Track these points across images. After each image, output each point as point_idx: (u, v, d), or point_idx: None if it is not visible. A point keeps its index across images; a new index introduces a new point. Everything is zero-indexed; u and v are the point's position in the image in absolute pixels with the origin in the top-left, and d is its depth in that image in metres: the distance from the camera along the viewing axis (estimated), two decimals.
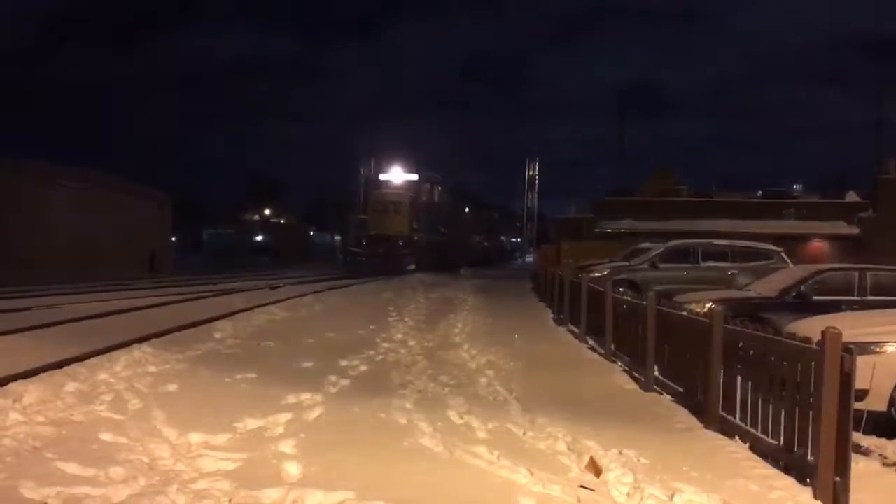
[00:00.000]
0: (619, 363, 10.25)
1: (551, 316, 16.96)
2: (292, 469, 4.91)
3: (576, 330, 13.65)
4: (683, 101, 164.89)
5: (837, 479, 4.89)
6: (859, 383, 5.27)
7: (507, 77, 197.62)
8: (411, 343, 11.88)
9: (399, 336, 12.63)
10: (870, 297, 11.65)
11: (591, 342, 12.34)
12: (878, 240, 29.70)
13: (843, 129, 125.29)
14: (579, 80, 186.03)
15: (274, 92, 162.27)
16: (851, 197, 36.36)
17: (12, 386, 6.63)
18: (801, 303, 11.58)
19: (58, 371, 7.60)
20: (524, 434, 6.34)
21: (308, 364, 9.36)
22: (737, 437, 6.36)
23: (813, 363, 5.16)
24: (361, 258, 37.66)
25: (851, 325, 7.03)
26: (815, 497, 4.95)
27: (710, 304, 10.70)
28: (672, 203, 35.95)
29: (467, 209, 52.69)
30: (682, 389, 7.86)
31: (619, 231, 33.42)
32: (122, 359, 8.49)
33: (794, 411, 5.45)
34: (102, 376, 7.54)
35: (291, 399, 7.14)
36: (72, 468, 4.61)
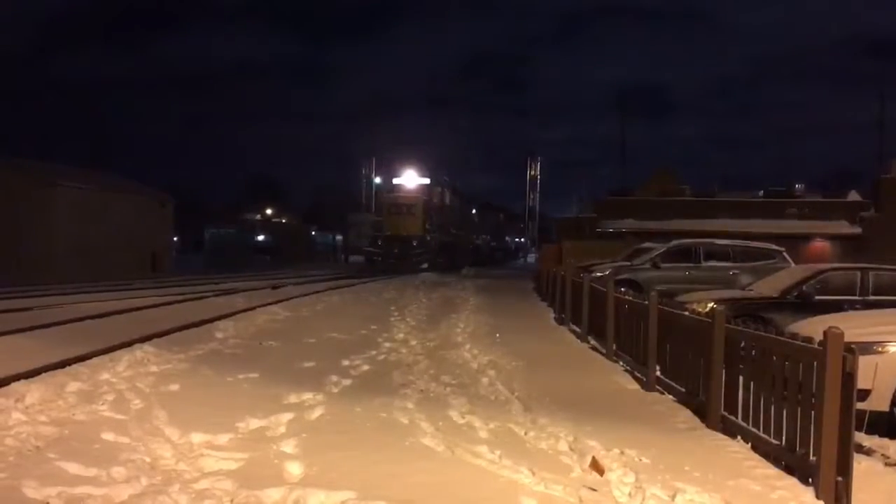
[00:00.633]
0: (621, 363, 10.25)
1: (553, 316, 16.95)
2: (294, 469, 4.92)
3: (577, 330, 13.64)
4: (685, 101, 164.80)
5: (840, 479, 4.88)
6: (861, 383, 5.26)
7: (508, 77, 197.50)
8: (413, 342, 11.88)
9: (401, 336, 12.64)
10: (872, 297, 11.64)
11: (592, 342, 12.33)
12: (880, 239, 29.66)
13: (844, 128, 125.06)
14: (581, 80, 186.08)
15: (275, 92, 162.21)
16: (853, 196, 36.30)
17: (14, 386, 6.64)
18: (803, 303, 11.58)
19: (60, 371, 7.61)
20: (526, 434, 6.34)
21: (310, 364, 9.36)
22: (739, 437, 6.36)
23: (815, 363, 5.16)
24: (377, 258, 39.52)
25: (853, 325, 7.01)
26: (818, 497, 4.95)
27: (711, 304, 10.69)
28: (674, 203, 35.90)
29: (474, 210, 54.78)
30: (683, 389, 7.85)
31: (621, 231, 33.39)
32: (124, 358, 8.50)
33: (796, 411, 5.45)
34: (104, 376, 7.54)
35: (293, 399, 7.15)
36: (74, 468, 4.62)
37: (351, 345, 11.24)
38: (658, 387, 8.56)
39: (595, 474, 5.22)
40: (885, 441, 6.73)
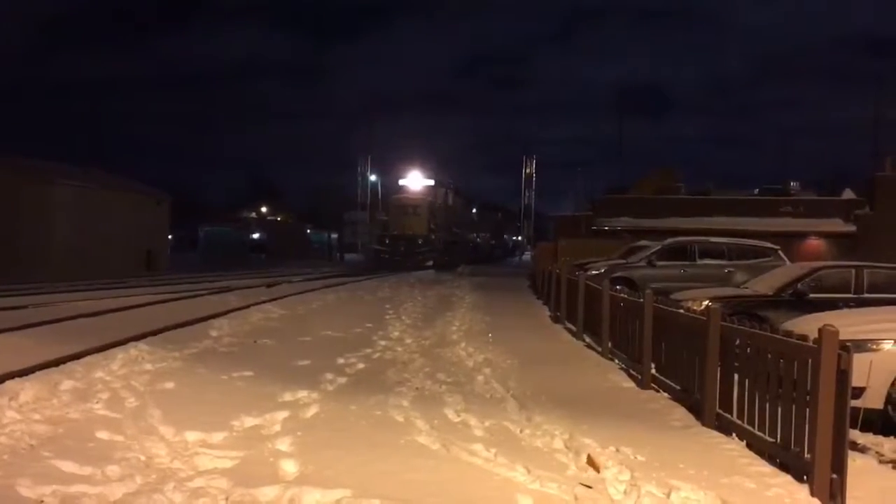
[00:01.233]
0: (616, 361, 10.26)
1: (548, 314, 16.96)
2: (289, 467, 4.91)
3: (573, 328, 13.65)
4: (683, 100, 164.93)
5: (834, 476, 4.90)
6: (856, 381, 5.27)
7: (507, 75, 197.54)
8: (408, 341, 11.88)
9: (396, 334, 12.63)
10: (866, 295, 11.67)
11: (587, 340, 12.34)
12: (874, 237, 29.71)
13: (841, 127, 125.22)
14: (580, 79, 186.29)
15: (272, 91, 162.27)
16: (848, 194, 36.33)
17: (8, 384, 6.61)
18: (798, 301, 11.60)
19: (54, 369, 7.58)
20: (521, 432, 6.34)
21: (305, 362, 9.35)
22: (734, 435, 6.37)
23: (809, 361, 5.17)
24: (385, 255, 41.78)
25: (848, 323, 7.03)
26: (812, 494, 4.96)
27: (706, 302, 10.71)
28: (669, 201, 35.91)
29: (475, 210, 57.68)
30: (679, 387, 7.86)
31: (617, 229, 33.39)
32: (118, 357, 8.48)
33: (791, 409, 5.45)
34: (99, 374, 7.52)
35: (288, 397, 7.14)
36: (68, 466, 4.61)
37: (346, 343, 11.23)
38: (653, 385, 8.57)
39: (591, 472, 5.23)
40: (880, 438, 6.74)
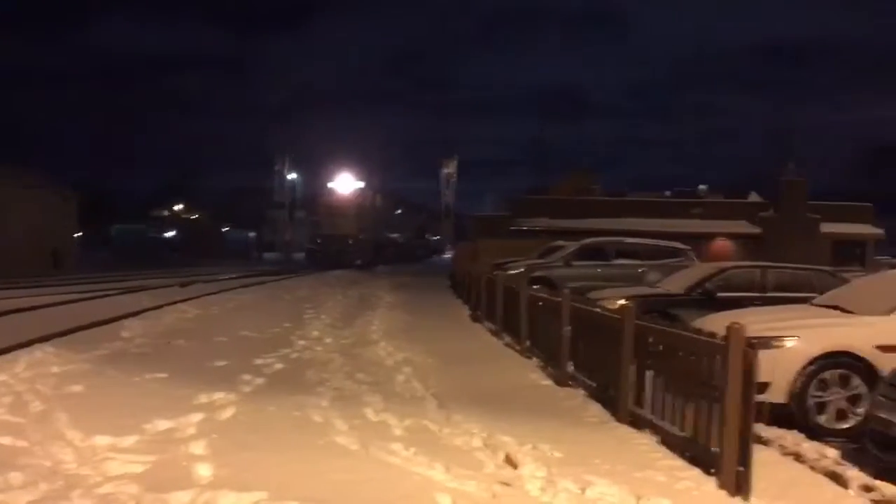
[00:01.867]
0: (535, 359, 10.41)
1: (468, 313, 17.08)
2: (204, 470, 4.79)
3: (492, 327, 13.79)
4: (602, 103, 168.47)
5: (740, 468, 5.08)
6: (761, 376, 5.49)
7: (430, 75, 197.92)
8: (328, 340, 11.78)
9: (315, 333, 12.51)
10: (770, 294, 12.14)
11: (507, 339, 12.48)
12: (777, 238, 31.05)
13: (751, 131, 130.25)
14: (501, 80, 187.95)
15: (190, 87, 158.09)
16: (754, 197, 37.89)
17: None
18: (708, 299, 11.98)
19: None
20: (441, 430, 6.37)
21: (221, 363, 9.16)
22: (647, 430, 6.54)
23: (718, 357, 5.35)
24: (317, 254, 45.09)
25: (754, 321, 7.30)
26: (720, 487, 5.14)
27: (621, 301, 10.96)
28: (586, 202, 36.66)
29: (400, 211, 62.47)
30: (595, 384, 8.03)
31: (535, 229, 33.87)
32: (22, 359, 8.12)
33: (700, 404, 5.64)
34: (1, 378, 7.19)
35: (203, 399, 6.97)
36: None
37: (264, 343, 11.06)
38: (570, 382, 8.73)
39: (509, 469, 5.29)
40: (783, 432, 7.03)
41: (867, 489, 5.40)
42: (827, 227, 32.69)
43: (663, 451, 6.00)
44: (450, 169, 70.97)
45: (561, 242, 22.84)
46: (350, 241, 44.83)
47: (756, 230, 33.68)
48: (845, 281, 11.80)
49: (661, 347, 6.55)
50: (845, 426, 7.40)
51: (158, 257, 51.12)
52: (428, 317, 15.99)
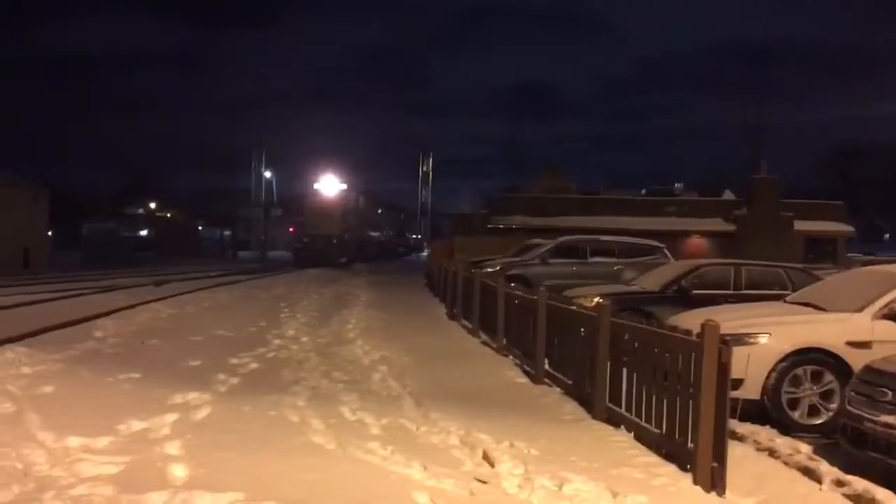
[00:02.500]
0: (511, 357, 10.43)
1: (444, 311, 17.08)
2: (178, 471, 4.75)
3: (469, 325, 13.80)
4: (573, 102, 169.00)
5: (715, 464, 5.13)
6: (735, 373, 5.54)
7: (403, 74, 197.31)
8: (304, 339, 11.72)
9: (291, 332, 12.44)
10: (744, 291, 12.28)
11: (483, 337, 12.50)
12: (751, 236, 31.35)
13: (719, 131, 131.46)
14: (474, 78, 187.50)
15: (162, 83, 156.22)
16: (728, 195, 38.23)
17: None
18: (682, 297, 12.09)
19: None
20: (418, 429, 6.36)
21: (196, 362, 9.08)
22: (623, 427, 6.59)
23: (693, 354, 5.40)
24: (303, 252, 47.15)
25: (728, 318, 7.39)
26: (695, 483, 5.19)
27: (597, 299, 11.02)
28: (561, 200, 36.80)
29: (380, 210, 64.52)
30: (570, 382, 8.07)
31: (511, 227, 33.95)
32: None
33: (675, 401, 5.69)
34: None
35: (178, 399, 6.91)
36: None
37: (239, 342, 10.98)
38: (546, 380, 8.77)
39: (486, 467, 5.30)
40: (757, 427, 7.10)
41: (839, 484, 5.47)
42: (800, 225, 33.08)
43: (639, 448, 6.05)
44: (425, 167, 70.98)
45: (537, 240, 22.91)
46: (335, 241, 46.93)
47: (730, 228, 33.99)
48: (818, 278, 11.95)
49: (636, 345, 6.59)
50: (818, 422, 7.50)
51: (131, 256, 50.59)
52: (404, 315, 15.97)
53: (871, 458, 5.79)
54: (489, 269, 17.76)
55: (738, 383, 7.15)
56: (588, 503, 4.69)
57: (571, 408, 7.53)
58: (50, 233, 48.00)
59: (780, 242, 29.67)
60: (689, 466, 5.36)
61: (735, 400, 6.59)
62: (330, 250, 45.75)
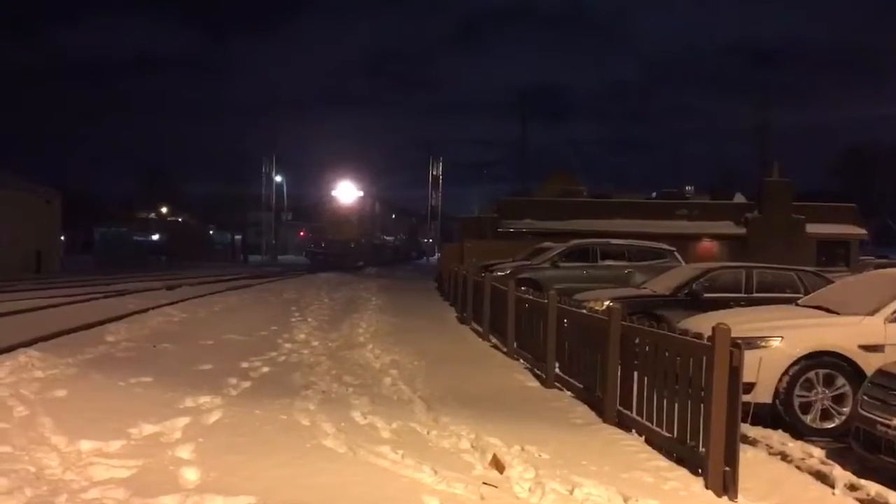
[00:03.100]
0: (522, 360, 10.42)
1: (455, 315, 17.08)
2: (190, 475, 4.77)
3: (479, 328, 13.79)
4: (584, 104, 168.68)
5: (727, 468, 5.11)
6: (746, 377, 5.52)
7: (413, 76, 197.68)
8: (314, 343, 11.74)
9: (302, 336, 12.47)
10: (756, 294, 12.23)
11: (494, 340, 12.50)
12: (762, 239, 31.21)
13: (729, 132, 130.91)
14: (484, 81, 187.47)
15: (173, 87, 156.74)
16: (739, 198, 38.04)
17: None
18: (693, 300, 12.05)
19: None
20: (428, 433, 6.36)
21: (207, 366, 9.11)
22: (633, 431, 6.57)
23: (704, 358, 5.38)
24: (321, 257, 48.96)
25: (739, 322, 7.36)
26: (707, 487, 5.17)
27: (608, 302, 10.99)
28: (572, 203, 36.70)
29: (394, 215, 67.54)
30: (581, 385, 8.05)
31: (521, 231, 33.90)
32: (6, 364, 8.04)
33: (687, 405, 5.67)
34: None
35: (189, 403, 6.94)
36: None
37: (250, 346, 11.01)
38: (557, 383, 8.75)
39: (496, 471, 5.29)
40: (769, 431, 7.09)
41: (852, 488, 5.45)
42: (811, 228, 32.88)
43: (650, 452, 6.03)
44: (435, 171, 70.98)
45: (548, 244, 22.88)
46: (352, 245, 49.21)
47: (741, 231, 33.82)
48: (830, 281, 11.89)
49: (647, 348, 6.57)
50: (830, 426, 7.47)
51: (143, 260, 50.85)
52: (415, 319, 15.98)
53: (884, 462, 5.76)
54: (499, 273, 17.73)
55: (749, 387, 7.13)
56: None
57: (582, 411, 7.52)
58: (62, 237, 48.32)
59: (792, 245, 29.52)
60: (700, 470, 5.34)
61: (747, 404, 6.56)
62: (347, 255, 47.44)
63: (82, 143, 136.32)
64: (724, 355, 5.14)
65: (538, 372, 9.42)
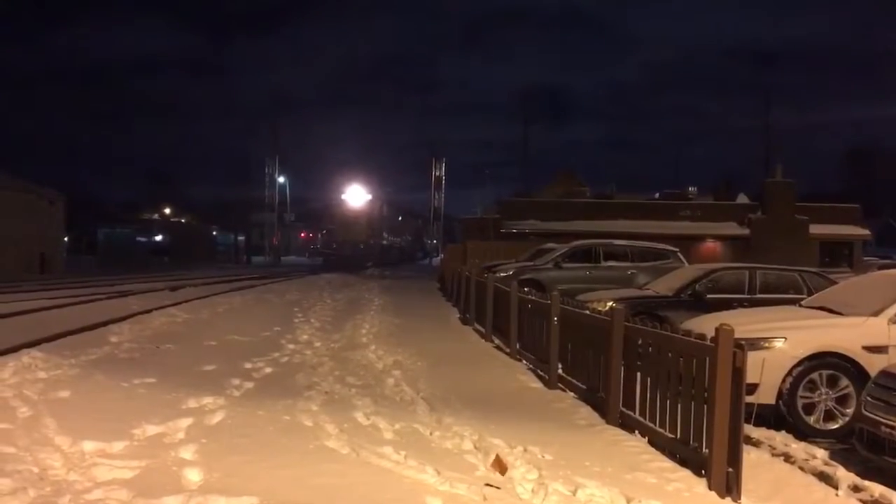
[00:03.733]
0: (524, 361, 10.42)
1: (457, 315, 17.08)
2: (193, 475, 4.77)
3: (482, 329, 13.79)
4: (586, 105, 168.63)
5: (730, 470, 5.10)
6: (750, 378, 5.51)
7: (415, 78, 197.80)
8: (317, 344, 11.75)
9: (305, 337, 12.47)
10: (759, 295, 12.22)
11: (496, 341, 12.49)
12: (765, 240, 31.21)
13: (730, 134, 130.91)
14: (486, 83, 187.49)
15: (175, 88, 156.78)
16: (742, 199, 38.02)
17: None
18: (696, 301, 12.04)
19: None
20: (431, 434, 6.36)
21: (210, 367, 9.12)
22: (636, 432, 6.57)
23: (707, 359, 5.37)
24: (333, 257, 51.47)
25: (742, 322, 7.35)
26: (710, 488, 5.16)
27: (611, 303, 10.99)
28: (574, 204, 36.71)
29: (400, 218, 72.24)
30: (584, 386, 8.05)
31: (524, 231, 33.91)
32: (9, 364, 8.04)
33: (690, 406, 5.66)
34: None
35: (193, 403, 6.94)
36: None
37: (253, 347, 11.02)
38: (560, 384, 8.74)
39: (499, 472, 5.29)
40: (772, 433, 7.08)
41: (856, 489, 5.44)
42: (815, 229, 32.85)
43: (653, 453, 6.02)
44: (437, 172, 70.97)
45: (551, 245, 22.89)
46: (362, 246, 52.53)
47: (745, 232, 33.81)
48: (833, 282, 11.87)
49: (650, 349, 6.57)
50: (834, 427, 7.45)
51: (146, 261, 50.94)
52: (417, 320, 15.98)
53: (887, 464, 5.76)
54: (502, 274, 17.74)
55: (753, 388, 7.12)
56: None
57: (585, 412, 7.51)
58: (66, 238, 48.40)
59: (795, 246, 29.53)
60: (703, 472, 5.34)
61: (750, 405, 6.55)
62: (357, 255, 50.27)
63: (86, 145, 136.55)
64: (727, 356, 5.14)
65: (541, 373, 9.42)
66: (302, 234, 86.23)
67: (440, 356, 10.86)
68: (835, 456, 6.27)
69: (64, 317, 14.02)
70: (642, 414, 6.56)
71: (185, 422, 6.21)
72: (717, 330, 5.24)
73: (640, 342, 6.81)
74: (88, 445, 5.37)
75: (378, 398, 7.75)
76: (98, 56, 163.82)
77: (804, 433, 7.25)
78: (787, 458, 6.32)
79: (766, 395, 7.48)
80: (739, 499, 5.06)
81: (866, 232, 35.61)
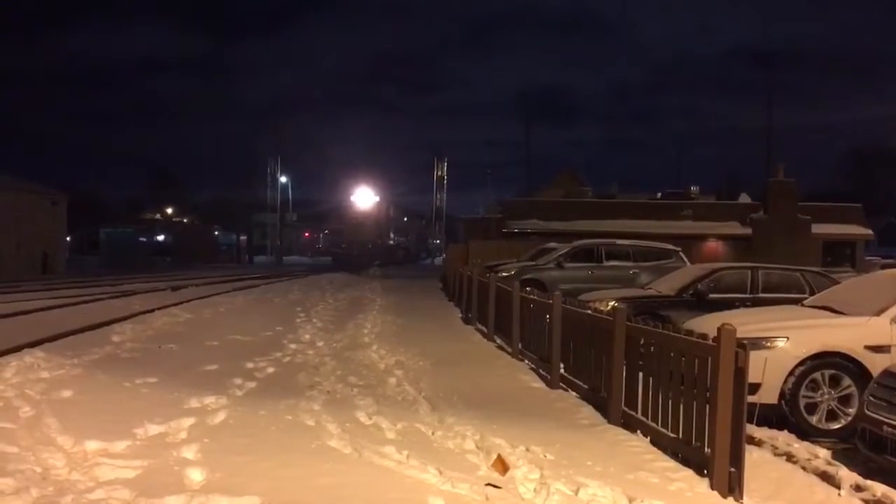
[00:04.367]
0: (526, 361, 10.41)
1: (459, 315, 17.08)
2: (195, 475, 4.77)
3: (484, 329, 13.78)
4: (588, 106, 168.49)
5: (732, 469, 5.10)
6: (752, 377, 5.50)
7: (418, 79, 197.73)
8: (319, 344, 11.75)
9: (307, 337, 12.48)
10: (761, 295, 12.21)
11: (498, 341, 12.48)
12: (768, 239, 31.12)
13: (732, 134, 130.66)
14: (489, 84, 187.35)
15: (178, 89, 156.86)
16: (745, 199, 37.95)
17: None
18: (699, 300, 12.03)
19: None
20: (433, 433, 6.36)
21: (212, 367, 9.13)
22: (639, 432, 6.56)
23: (709, 359, 5.37)
24: (342, 257, 53.31)
25: (745, 322, 7.35)
26: (712, 487, 5.15)
27: (613, 303, 10.99)
28: (577, 204, 36.65)
29: (405, 219, 74.65)
30: (586, 386, 8.04)
31: (526, 231, 33.87)
32: (12, 364, 8.06)
33: (692, 405, 5.66)
34: None
35: (195, 403, 6.95)
36: None
37: (255, 347, 11.02)
38: (562, 384, 8.74)
39: (501, 471, 5.29)
40: (774, 432, 7.06)
41: (859, 489, 5.43)
42: (817, 228, 32.77)
43: (656, 453, 6.02)
44: (440, 172, 70.97)
45: (553, 244, 22.88)
46: (370, 246, 54.63)
47: (747, 231, 33.73)
48: (835, 282, 11.86)
49: (652, 349, 6.56)
50: (836, 426, 7.44)
51: (149, 261, 50.99)
52: (420, 319, 15.98)
53: (890, 463, 5.75)
54: (504, 274, 17.72)
55: (755, 388, 7.11)
56: None
57: (587, 412, 7.50)
58: (69, 238, 48.45)
59: (797, 246, 29.42)
60: (705, 471, 5.33)
61: (752, 404, 6.54)
62: (365, 255, 52.28)
63: (89, 146, 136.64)
64: (729, 356, 5.13)
65: (543, 373, 9.41)
66: (306, 234, 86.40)
67: (442, 356, 10.86)
68: (837, 456, 6.26)
69: (66, 316, 14.04)
70: (644, 414, 6.55)
71: (188, 421, 6.23)
72: (719, 329, 5.23)
73: (642, 342, 6.80)
74: (91, 445, 5.39)
75: (380, 398, 7.75)
76: (102, 57, 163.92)
77: (806, 433, 7.24)
78: (790, 457, 6.31)
79: (768, 395, 7.47)
80: (742, 498, 5.05)
81: (869, 231, 35.56)
